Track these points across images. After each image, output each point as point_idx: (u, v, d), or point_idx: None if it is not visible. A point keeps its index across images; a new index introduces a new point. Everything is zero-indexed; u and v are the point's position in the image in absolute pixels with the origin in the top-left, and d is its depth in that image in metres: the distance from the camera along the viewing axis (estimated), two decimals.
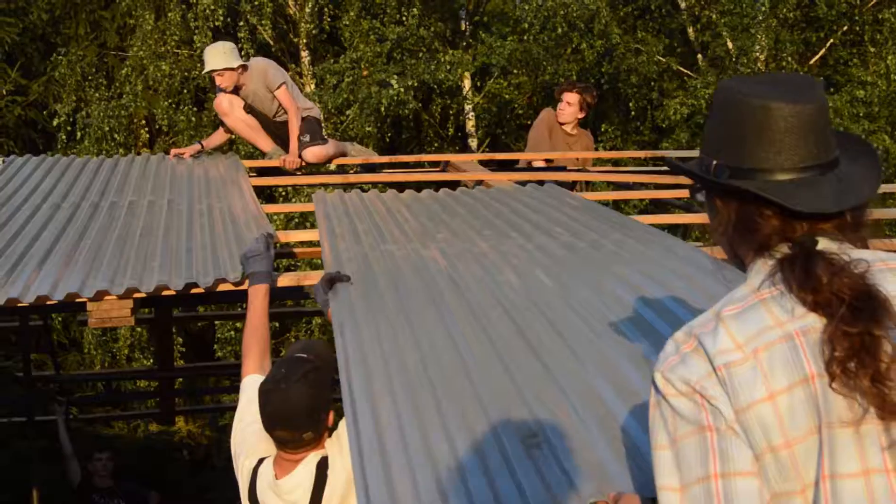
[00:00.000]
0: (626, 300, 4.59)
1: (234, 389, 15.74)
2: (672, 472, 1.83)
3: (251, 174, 8.84)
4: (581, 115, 9.67)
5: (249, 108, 9.12)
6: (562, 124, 9.64)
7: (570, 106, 9.55)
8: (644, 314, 4.32)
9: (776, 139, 1.95)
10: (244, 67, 8.89)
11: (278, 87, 8.93)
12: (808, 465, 1.80)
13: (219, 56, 8.82)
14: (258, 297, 4.78)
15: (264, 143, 9.24)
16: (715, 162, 2.01)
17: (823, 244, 1.91)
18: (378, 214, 6.72)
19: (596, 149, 17.80)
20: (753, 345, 1.84)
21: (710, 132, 2.07)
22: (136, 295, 5.13)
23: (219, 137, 9.45)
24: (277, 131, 9.26)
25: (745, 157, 1.97)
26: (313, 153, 8.98)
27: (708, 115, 2.11)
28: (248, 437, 4.18)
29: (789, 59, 18.56)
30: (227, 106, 9.04)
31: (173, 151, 9.08)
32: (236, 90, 8.99)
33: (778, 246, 1.94)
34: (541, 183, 7.96)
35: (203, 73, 9.06)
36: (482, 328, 4.36)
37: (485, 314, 4.54)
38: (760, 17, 17.68)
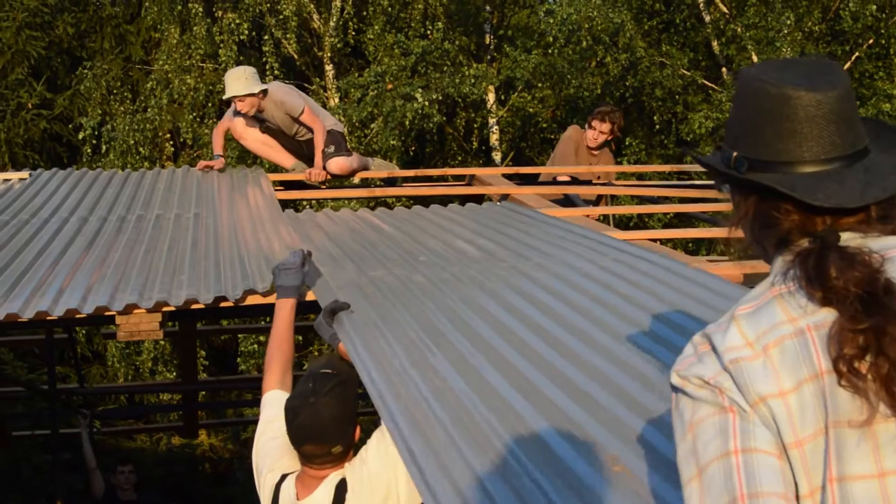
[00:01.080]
0: (619, 323, 4.56)
1: (257, 403, 15.73)
2: (691, 460, 1.75)
3: (276, 188, 8.84)
4: (609, 138, 9.73)
5: (266, 127, 9.11)
6: (589, 147, 9.68)
7: (602, 135, 9.64)
8: (640, 336, 4.30)
9: (796, 130, 1.85)
10: (265, 92, 8.88)
11: (301, 113, 8.93)
12: (815, 467, 1.72)
13: (240, 81, 8.80)
14: (284, 311, 4.75)
15: (285, 159, 9.24)
16: (734, 154, 1.92)
17: (846, 238, 1.83)
18: (344, 236, 6.73)
19: (619, 162, 17.83)
20: (764, 341, 1.77)
21: (730, 121, 1.98)
22: (166, 308, 5.12)
23: (221, 139, 9.42)
24: (298, 149, 9.25)
25: (764, 148, 1.88)
26: (338, 164, 8.97)
27: (731, 105, 2.02)
28: (271, 451, 4.15)
29: None
30: (242, 129, 9.06)
31: (201, 164, 9.07)
32: (257, 112, 8.98)
33: (799, 241, 1.86)
34: (566, 197, 7.94)
35: (224, 97, 9.04)
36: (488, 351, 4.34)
37: (490, 337, 4.51)
38: (785, 31, 17.62)
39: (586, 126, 9.72)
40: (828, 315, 1.76)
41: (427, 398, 3.83)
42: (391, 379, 4.06)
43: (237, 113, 9.00)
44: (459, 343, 4.41)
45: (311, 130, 9.02)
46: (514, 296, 5.04)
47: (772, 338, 1.76)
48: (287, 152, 9.26)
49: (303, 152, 9.27)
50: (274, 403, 4.22)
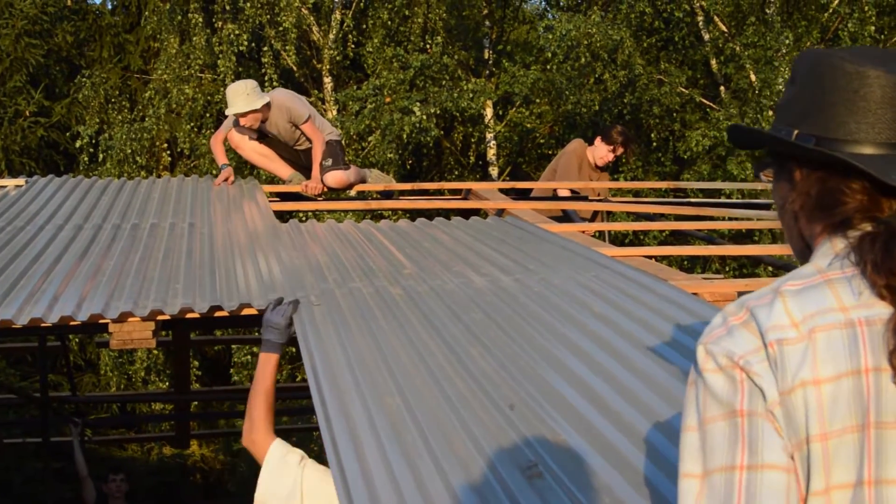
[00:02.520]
0: (601, 333, 4.57)
1: None
2: (696, 457, 1.69)
3: (272, 199, 8.83)
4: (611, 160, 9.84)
5: (263, 136, 9.11)
6: (596, 165, 9.73)
7: (612, 155, 9.73)
8: (620, 346, 4.31)
9: (871, 109, 1.79)
10: (267, 106, 8.89)
11: (305, 122, 8.94)
12: (837, 465, 1.64)
13: (241, 98, 8.78)
14: (269, 365, 4.68)
15: (282, 170, 9.23)
16: (797, 131, 1.85)
17: None
18: (335, 246, 6.73)
19: (616, 179, 17.84)
20: (810, 324, 1.68)
21: (792, 100, 1.90)
22: (160, 317, 5.11)
23: (221, 148, 9.42)
24: (296, 159, 9.25)
25: (835, 126, 1.81)
26: (335, 178, 8.96)
27: (789, 83, 1.95)
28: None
29: None
30: (239, 139, 9.08)
31: (218, 181, 8.97)
32: (260, 122, 8.99)
33: (861, 224, 1.78)
34: (564, 213, 7.94)
35: (226, 113, 9.03)
36: (462, 364, 4.34)
37: (464, 350, 4.51)
38: (784, 50, 17.65)
39: (603, 142, 9.73)
40: (883, 310, 1.69)
41: (369, 409, 3.86)
42: (337, 388, 4.08)
43: (236, 123, 9.00)
44: (409, 360, 4.42)
45: (310, 141, 9.03)
46: (477, 313, 5.04)
47: (820, 322, 1.69)
48: (284, 163, 9.26)
49: (301, 162, 9.27)
50: (280, 460, 4.24)
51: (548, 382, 4.07)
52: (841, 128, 1.81)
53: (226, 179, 8.89)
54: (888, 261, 1.70)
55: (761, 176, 2.00)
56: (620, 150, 9.70)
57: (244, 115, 8.78)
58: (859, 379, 1.65)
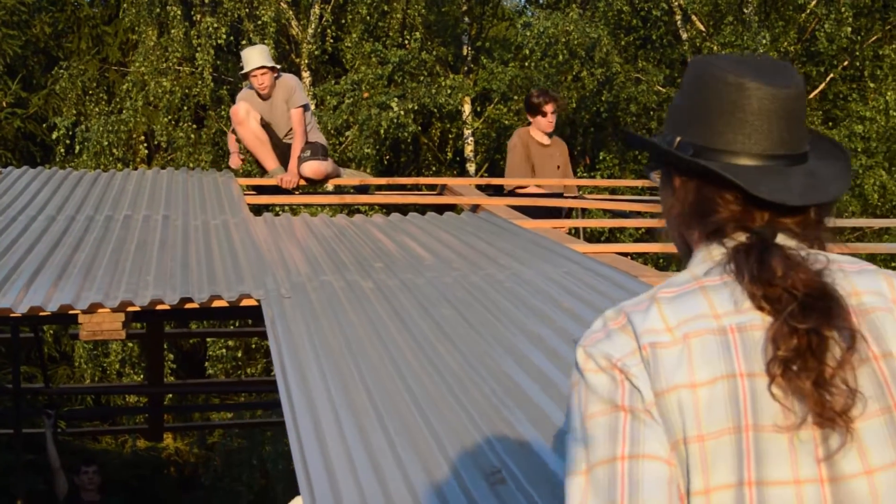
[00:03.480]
0: (569, 328, 4.60)
1: (224, 407, 15.72)
2: (580, 455, 1.70)
3: (248, 192, 8.84)
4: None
5: (264, 125, 9.13)
6: (547, 133, 9.56)
7: (554, 115, 9.57)
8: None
9: (748, 121, 1.82)
10: (277, 73, 8.99)
11: (298, 108, 8.98)
12: (715, 466, 1.66)
13: (264, 55, 9.01)
14: None
15: (269, 160, 9.20)
16: (679, 139, 1.86)
17: (781, 239, 1.79)
18: (309, 241, 6.75)
19: (593, 176, 17.88)
20: (684, 329, 1.71)
21: (676, 108, 1.93)
22: (130, 308, 5.11)
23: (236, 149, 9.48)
24: (284, 155, 9.24)
25: (712, 136, 1.84)
26: (311, 167, 8.98)
27: (677, 92, 1.97)
28: None
29: None
30: (244, 115, 9.05)
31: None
32: (264, 97, 9.02)
33: (734, 234, 1.81)
34: (533, 208, 7.98)
35: (246, 70, 9.07)
36: (430, 361, 4.37)
37: (432, 347, 4.54)
38: (761, 50, 17.71)
39: (535, 117, 9.61)
40: (755, 317, 1.72)
41: (333, 399, 3.89)
42: (304, 383, 4.10)
43: (252, 90, 9.09)
44: (374, 350, 4.45)
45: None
46: (447, 309, 5.07)
47: (693, 328, 1.71)
48: (274, 155, 9.23)
49: (286, 160, 9.27)
50: None
51: (513, 380, 4.10)
52: (719, 138, 1.84)
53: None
54: (763, 272, 1.73)
55: (651, 176, 2.01)
56: (551, 107, 9.52)
57: (263, 71, 8.91)
58: (734, 383, 1.68)
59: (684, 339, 1.70)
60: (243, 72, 9.07)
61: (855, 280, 1.80)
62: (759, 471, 1.66)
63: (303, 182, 9.08)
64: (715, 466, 1.65)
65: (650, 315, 1.74)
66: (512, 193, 9.32)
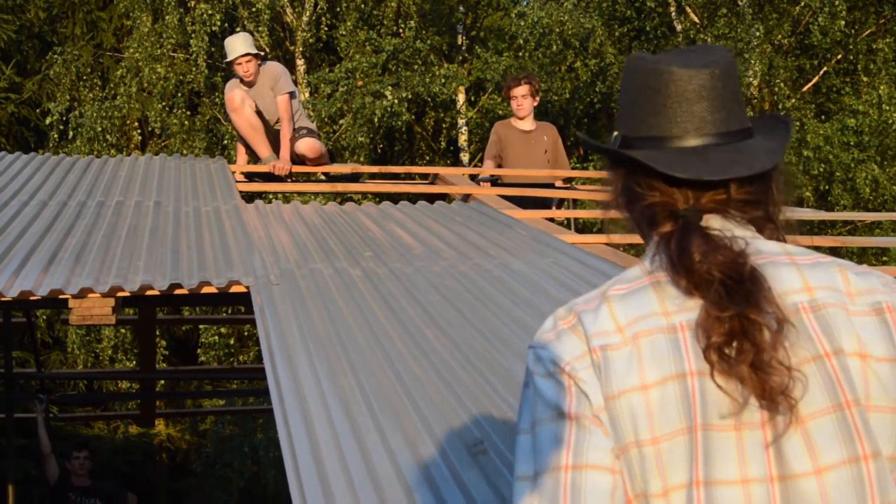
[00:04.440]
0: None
1: (216, 394, 15.74)
2: (528, 459, 1.71)
3: (240, 179, 8.87)
4: (535, 104, 9.55)
5: (258, 111, 9.17)
6: (521, 119, 9.49)
7: (524, 98, 9.42)
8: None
9: (666, 105, 1.83)
10: (260, 61, 9.07)
11: (283, 95, 9.02)
12: (672, 467, 1.66)
13: (247, 42, 9.05)
14: None
15: (263, 148, 9.21)
16: (615, 133, 1.89)
17: (710, 221, 1.79)
18: (298, 228, 6.79)
19: (585, 167, 17.90)
20: (634, 329, 1.71)
21: (618, 105, 1.96)
22: (120, 293, 5.15)
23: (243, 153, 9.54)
24: (273, 140, 9.26)
25: (639, 125, 1.85)
26: (307, 143, 9.02)
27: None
28: None
29: (782, 84, 18.65)
30: (239, 102, 9.07)
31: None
32: (249, 86, 9.06)
33: (663, 222, 1.81)
34: (523, 199, 8.02)
35: (229, 59, 9.10)
36: (417, 345, 4.41)
37: (419, 332, 4.58)
38: (755, 43, 17.75)
39: (508, 103, 9.59)
40: (700, 312, 1.71)
41: (321, 384, 3.95)
42: (292, 367, 4.15)
43: (239, 80, 9.17)
44: (365, 341, 4.49)
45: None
46: (435, 296, 5.12)
47: (643, 327, 1.71)
48: (268, 143, 9.24)
49: (277, 147, 9.28)
50: None
51: (499, 363, 4.15)
52: (644, 125, 1.85)
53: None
54: (683, 258, 1.73)
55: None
56: (524, 87, 9.42)
57: (247, 59, 8.96)
58: (684, 382, 1.68)
59: (634, 339, 1.70)
60: (227, 60, 9.11)
61: (807, 274, 1.78)
62: (706, 470, 1.66)
63: (295, 169, 9.10)
64: (671, 467, 1.66)
65: (600, 315, 1.74)
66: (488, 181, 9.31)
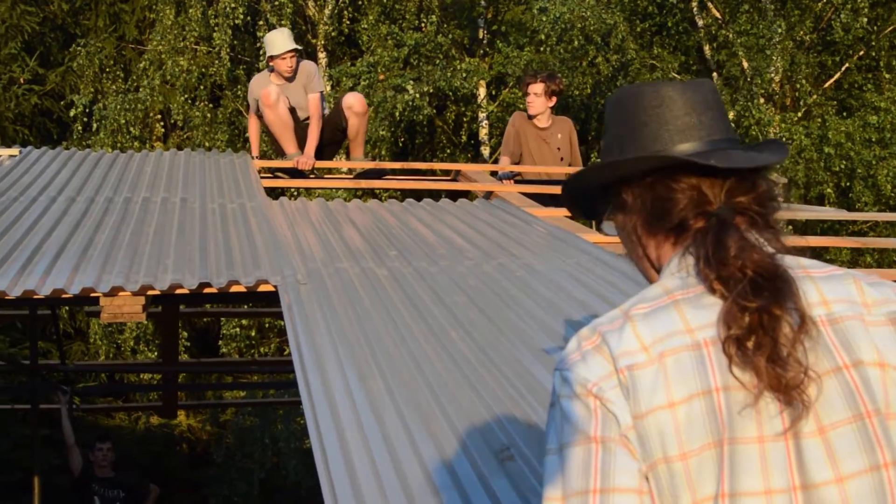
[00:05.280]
0: (578, 318, 4.68)
1: (237, 386, 15.81)
2: (556, 481, 1.74)
3: (263, 175, 8.93)
4: (551, 104, 9.59)
5: (291, 108, 9.24)
6: (532, 117, 9.57)
7: (537, 97, 9.48)
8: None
9: (678, 117, 1.93)
10: (299, 57, 9.24)
11: (315, 94, 9.12)
12: (700, 481, 1.70)
13: (290, 39, 9.17)
14: None
15: (290, 144, 9.24)
16: (618, 159, 1.95)
17: (740, 223, 1.84)
18: (321, 225, 6.84)
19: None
20: (660, 348, 1.75)
21: (609, 142, 2.01)
22: (150, 292, 5.22)
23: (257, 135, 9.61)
24: (303, 137, 9.31)
25: (651, 141, 1.93)
26: (356, 96, 9.41)
27: (604, 134, 2.05)
28: None
29: (803, 81, 18.62)
30: (274, 98, 9.12)
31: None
32: (288, 78, 9.17)
33: (695, 223, 1.85)
34: (545, 196, 8.06)
35: (273, 54, 9.16)
36: (443, 347, 4.47)
37: (445, 334, 4.64)
38: (777, 39, 17.73)
39: (525, 99, 9.64)
40: (724, 306, 1.77)
41: (349, 384, 4.01)
42: (321, 368, 4.21)
43: (275, 73, 9.26)
44: (392, 341, 4.55)
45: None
46: (460, 297, 5.17)
47: (669, 346, 1.75)
48: (295, 139, 9.29)
49: (304, 142, 9.33)
50: None
51: (524, 366, 4.20)
52: (657, 141, 1.93)
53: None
54: (719, 251, 1.78)
55: (604, 227, 2.06)
56: (539, 85, 9.45)
57: (291, 55, 9.08)
58: (711, 398, 1.72)
59: (660, 357, 1.74)
60: (270, 54, 9.15)
61: (823, 287, 1.83)
62: (732, 483, 1.70)
63: (318, 164, 9.16)
64: (699, 481, 1.70)
65: (625, 335, 1.77)
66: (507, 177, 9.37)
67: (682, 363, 1.74)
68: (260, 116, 9.31)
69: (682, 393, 1.72)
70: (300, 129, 9.24)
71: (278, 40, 9.11)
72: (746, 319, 1.72)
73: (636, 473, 1.71)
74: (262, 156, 10.32)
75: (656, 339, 1.76)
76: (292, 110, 9.19)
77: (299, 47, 9.17)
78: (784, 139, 17.58)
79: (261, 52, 18.95)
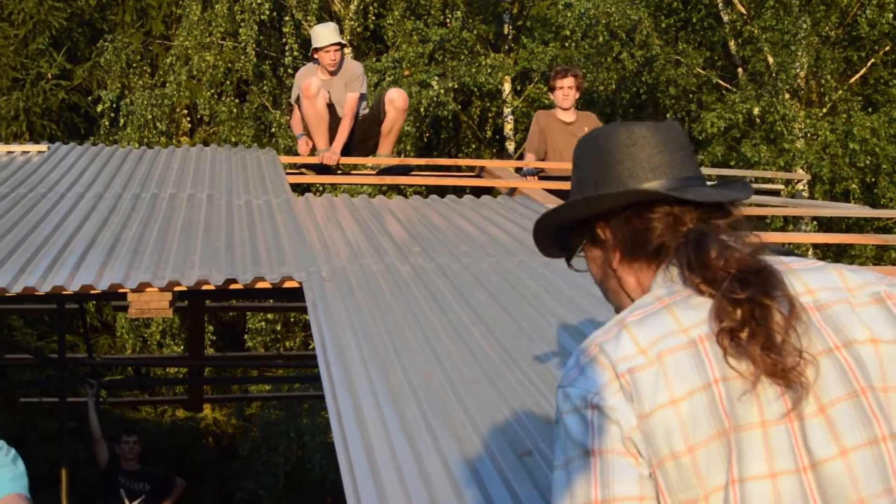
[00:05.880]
0: (598, 315, 4.72)
1: (262, 380, 15.92)
2: (563, 495, 1.82)
3: (289, 171, 8.99)
4: (577, 96, 9.63)
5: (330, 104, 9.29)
6: (564, 110, 9.56)
7: (571, 90, 9.52)
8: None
9: (651, 156, 2.01)
10: (342, 51, 9.33)
11: (355, 93, 9.20)
12: (710, 471, 1.76)
13: (335, 32, 9.27)
14: None
15: (322, 140, 9.25)
16: (598, 193, 2.01)
17: (717, 233, 1.92)
18: (350, 222, 6.89)
19: None
20: (657, 349, 1.81)
21: (580, 180, 2.09)
22: (177, 288, 5.29)
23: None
24: (336, 133, 9.36)
25: (626, 178, 2.00)
26: (400, 93, 9.44)
27: (573, 173, 2.13)
28: None
29: (829, 76, 18.58)
30: (314, 91, 9.13)
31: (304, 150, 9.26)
32: (332, 72, 9.26)
33: (673, 243, 1.93)
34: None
35: (318, 46, 9.22)
36: (464, 344, 4.52)
37: (467, 331, 4.69)
38: (802, 34, 17.69)
39: (553, 94, 9.67)
40: (714, 301, 1.84)
41: (372, 381, 4.07)
42: (344, 363, 4.27)
43: (318, 66, 9.32)
44: (414, 338, 4.61)
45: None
46: (482, 294, 5.22)
47: (666, 346, 1.82)
48: (328, 136, 9.32)
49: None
50: None
51: (544, 364, 4.25)
52: (632, 178, 2.01)
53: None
54: (700, 256, 1.86)
55: (574, 264, 2.15)
56: (569, 79, 9.47)
57: (336, 48, 9.16)
58: (711, 391, 1.79)
59: (658, 358, 1.80)
60: (315, 47, 9.21)
61: (806, 278, 1.91)
62: (739, 469, 1.77)
63: (344, 160, 9.21)
64: (709, 472, 1.77)
65: (622, 341, 1.84)
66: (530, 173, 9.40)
67: (680, 361, 1.80)
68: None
69: (683, 389, 1.79)
70: (335, 125, 9.28)
71: (323, 33, 9.18)
72: (738, 312, 1.80)
73: (636, 480, 1.78)
74: (288, 151, 10.38)
75: (653, 341, 1.82)
76: (331, 106, 9.24)
77: (343, 42, 9.22)
78: (809, 134, 17.58)
79: (286, 48, 19.04)
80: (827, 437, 1.79)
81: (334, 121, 9.25)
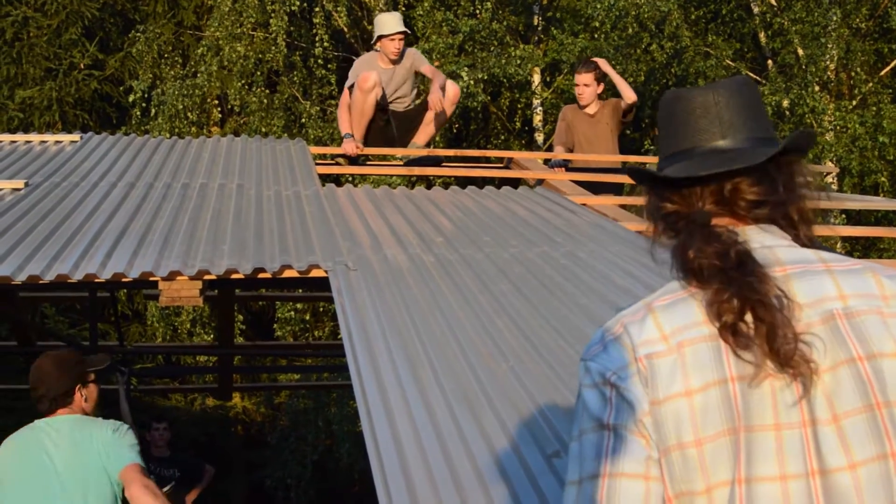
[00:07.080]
0: (621, 304, 4.77)
1: (292, 369, 16.04)
2: (575, 466, 1.86)
3: (318, 162, 9.06)
4: (600, 90, 9.63)
5: (380, 104, 9.32)
6: (583, 107, 9.62)
7: (587, 87, 9.54)
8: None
9: (684, 122, 2.02)
10: (407, 39, 9.42)
11: (425, 66, 9.42)
12: (715, 466, 1.79)
13: (400, 21, 9.30)
14: None
15: (358, 133, 9.33)
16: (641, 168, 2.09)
17: (720, 221, 1.94)
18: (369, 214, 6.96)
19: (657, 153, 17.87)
20: (679, 338, 1.84)
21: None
22: (207, 277, 5.37)
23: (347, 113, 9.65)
24: (377, 133, 9.39)
25: (665, 147, 2.04)
26: (453, 87, 9.48)
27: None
28: None
29: (859, 69, 18.52)
30: (370, 85, 9.15)
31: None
32: (395, 60, 9.34)
33: (682, 229, 1.96)
34: (596, 184, 8.15)
35: (383, 34, 9.26)
36: (489, 335, 4.59)
37: (490, 321, 4.75)
38: (832, 27, 17.64)
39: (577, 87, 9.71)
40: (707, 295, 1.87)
41: (399, 374, 4.14)
42: (371, 356, 4.34)
43: (381, 56, 9.37)
44: (439, 329, 4.67)
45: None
46: (505, 284, 5.28)
47: (687, 336, 1.85)
48: (363, 130, 9.34)
49: (377, 138, 9.41)
50: None
51: (567, 355, 4.31)
52: (666, 147, 2.05)
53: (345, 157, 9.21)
54: (679, 256, 1.91)
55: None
56: (586, 76, 9.47)
57: (400, 37, 9.22)
58: (726, 387, 1.82)
59: (678, 347, 1.85)
60: (380, 34, 9.25)
61: (842, 281, 1.91)
62: (748, 468, 1.80)
63: (364, 151, 9.22)
64: (714, 466, 1.81)
65: (646, 325, 1.89)
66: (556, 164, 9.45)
67: (700, 353, 1.84)
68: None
69: (699, 382, 1.83)
70: (376, 122, 9.30)
71: (390, 22, 9.21)
72: (735, 306, 1.83)
73: (644, 460, 1.83)
74: (318, 142, 10.42)
75: (675, 330, 1.87)
76: (379, 105, 9.25)
77: (408, 31, 9.24)
78: (838, 127, 17.53)
79: (316, 39, 19.10)
80: (838, 447, 1.81)
81: (375, 119, 9.27)
